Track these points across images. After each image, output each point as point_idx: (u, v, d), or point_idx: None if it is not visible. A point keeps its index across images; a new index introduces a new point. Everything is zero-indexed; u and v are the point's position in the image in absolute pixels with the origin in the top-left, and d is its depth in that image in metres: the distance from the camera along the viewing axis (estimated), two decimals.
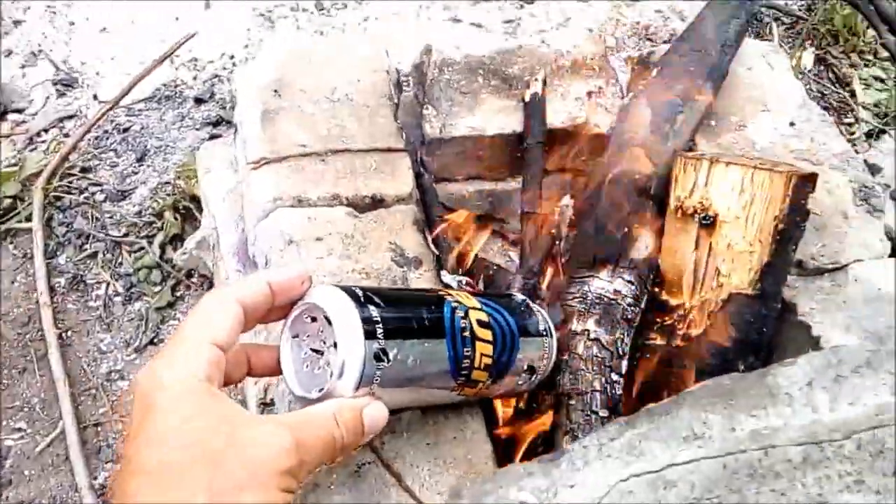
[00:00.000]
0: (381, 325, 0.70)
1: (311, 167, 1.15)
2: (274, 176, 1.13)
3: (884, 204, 1.23)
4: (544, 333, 0.94)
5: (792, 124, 1.30)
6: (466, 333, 0.79)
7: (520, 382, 0.89)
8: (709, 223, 1.05)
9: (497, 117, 1.31)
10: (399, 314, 0.74)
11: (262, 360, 0.76)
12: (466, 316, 0.80)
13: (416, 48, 1.72)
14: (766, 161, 1.09)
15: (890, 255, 1.47)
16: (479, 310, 0.83)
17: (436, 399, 0.83)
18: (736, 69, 1.38)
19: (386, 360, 0.69)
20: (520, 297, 1.00)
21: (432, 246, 1.20)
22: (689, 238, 1.07)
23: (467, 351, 0.78)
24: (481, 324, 0.81)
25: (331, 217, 1.10)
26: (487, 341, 0.81)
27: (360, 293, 0.72)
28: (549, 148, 1.31)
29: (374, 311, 0.70)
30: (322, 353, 0.75)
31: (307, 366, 0.75)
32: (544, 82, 1.30)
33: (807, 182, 1.02)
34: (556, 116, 1.31)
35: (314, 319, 0.75)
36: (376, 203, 1.15)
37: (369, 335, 0.68)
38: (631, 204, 1.16)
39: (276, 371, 0.75)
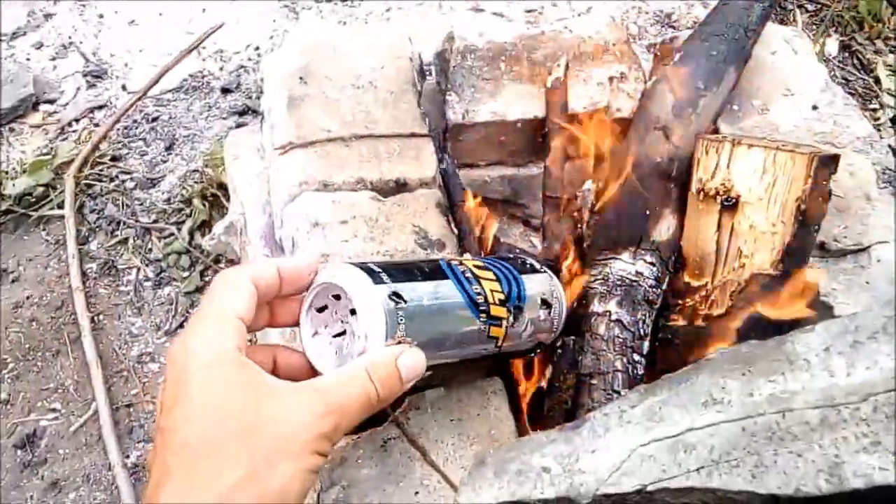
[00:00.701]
0: (386, 274, 0.73)
1: (336, 152, 1.17)
2: (300, 160, 1.15)
3: None
4: (542, 270, 0.97)
5: (815, 108, 1.30)
6: (468, 275, 0.82)
7: (541, 319, 0.91)
8: (731, 205, 1.05)
9: (519, 103, 1.32)
10: (399, 269, 0.77)
11: (289, 361, 0.76)
12: (462, 263, 0.84)
13: (439, 37, 1.74)
14: (788, 143, 1.09)
15: None
16: (473, 260, 0.88)
17: (471, 348, 0.83)
18: (759, 53, 1.38)
19: (403, 301, 0.71)
20: (509, 254, 1.03)
21: (455, 229, 1.22)
22: (711, 220, 1.08)
23: (476, 288, 0.81)
24: (479, 267, 0.85)
25: (355, 201, 1.12)
26: (491, 279, 0.84)
27: (356, 262, 0.75)
28: (572, 133, 1.32)
29: (375, 267, 0.74)
30: (344, 333, 0.77)
31: (336, 352, 0.76)
32: (566, 67, 1.31)
33: (829, 163, 1.02)
34: (579, 101, 1.32)
35: (323, 309, 0.77)
36: (400, 187, 1.17)
37: (378, 282, 0.71)
38: (652, 187, 1.17)
39: (304, 373, 0.75)
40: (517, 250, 1.05)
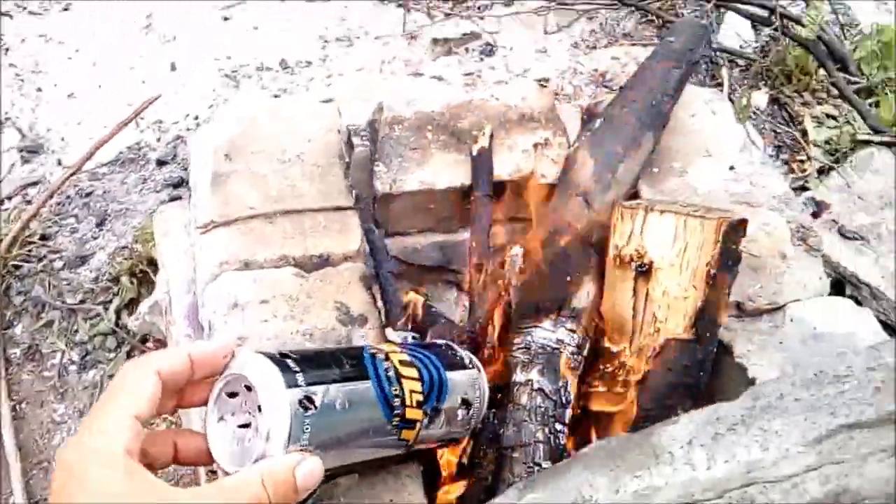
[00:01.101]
0: (301, 375, 0.71)
1: (260, 229, 1.17)
2: (222, 239, 1.15)
3: (822, 243, 1.25)
4: (470, 366, 0.95)
5: (732, 168, 1.33)
6: (391, 373, 0.80)
7: (458, 419, 0.89)
8: (644, 271, 1.07)
9: (446, 171, 1.33)
10: (318, 363, 0.75)
11: (189, 446, 0.75)
12: (388, 358, 0.82)
13: (377, 103, 1.78)
14: (699, 207, 1.11)
15: (833, 292, 1.49)
16: (400, 352, 0.86)
17: (379, 451, 0.82)
18: (679, 115, 1.41)
19: (313, 406, 0.70)
20: (440, 341, 1.02)
21: (380, 302, 1.22)
22: (627, 286, 1.10)
23: (395, 390, 0.79)
24: (404, 363, 0.83)
25: (277, 278, 1.12)
26: (414, 378, 0.82)
27: (275, 353, 0.73)
28: (498, 199, 1.33)
29: (292, 364, 0.71)
30: (250, 425, 0.75)
31: (237, 443, 0.74)
32: (491, 136, 1.33)
33: (737, 228, 1.04)
34: (504, 168, 1.34)
35: (234, 395, 0.75)
36: (324, 262, 1.17)
37: (291, 384, 0.69)
38: (573, 253, 1.19)
39: (204, 458, 0.75)
40: (448, 340, 1.04)
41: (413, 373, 0.83)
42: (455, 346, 0.97)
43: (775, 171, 1.34)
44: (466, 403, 0.90)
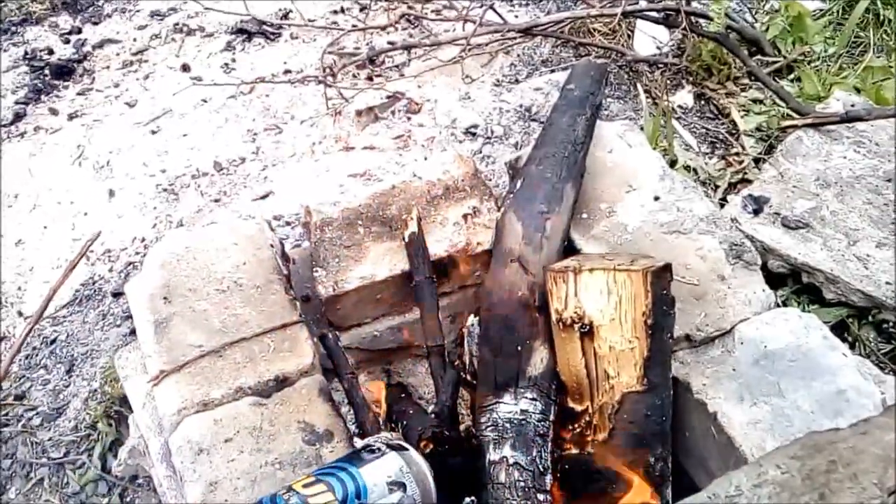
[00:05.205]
0: None
1: (211, 366, 1.19)
2: (175, 386, 1.16)
3: (759, 257, 1.28)
4: (387, 451, 1.00)
5: (657, 198, 1.36)
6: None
7: (396, 502, 0.95)
8: (587, 331, 1.09)
9: (384, 261, 1.36)
10: None
11: None
12: (290, 490, 0.92)
13: (317, 188, 1.83)
14: (624, 255, 1.14)
15: (793, 283, 1.52)
16: (304, 478, 0.95)
17: None
18: (597, 155, 1.44)
19: None
20: (359, 443, 1.07)
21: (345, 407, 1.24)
22: (575, 347, 1.11)
23: None
24: (308, 485, 0.92)
25: (237, 412, 1.14)
26: (321, 492, 0.90)
27: None
28: (440, 278, 1.35)
29: None
30: None
31: None
32: (419, 219, 1.36)
33: (662, 274, 1.07)
34: (439, 245, 1.36)
35: None
36: (280, 383, 1.19)
37: None
38: (520, 321, 1.21)
39: None
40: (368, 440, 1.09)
41: (320, 488, 0.90)
42: (371, 443, 1.02)
43: (697, 193, 1.36)
44: (398, 484, 0.95)
